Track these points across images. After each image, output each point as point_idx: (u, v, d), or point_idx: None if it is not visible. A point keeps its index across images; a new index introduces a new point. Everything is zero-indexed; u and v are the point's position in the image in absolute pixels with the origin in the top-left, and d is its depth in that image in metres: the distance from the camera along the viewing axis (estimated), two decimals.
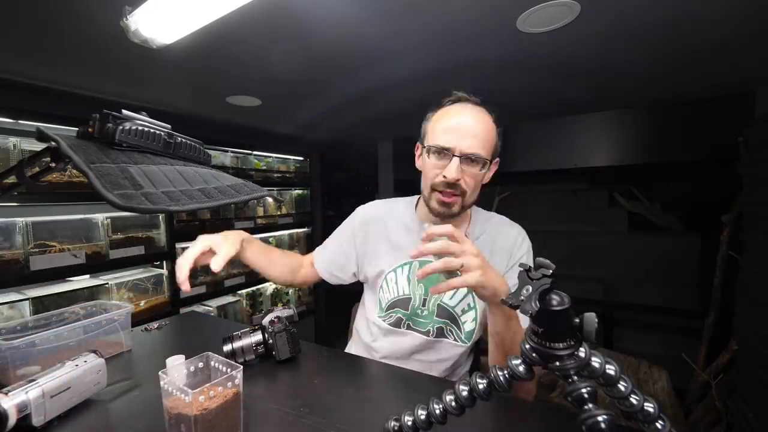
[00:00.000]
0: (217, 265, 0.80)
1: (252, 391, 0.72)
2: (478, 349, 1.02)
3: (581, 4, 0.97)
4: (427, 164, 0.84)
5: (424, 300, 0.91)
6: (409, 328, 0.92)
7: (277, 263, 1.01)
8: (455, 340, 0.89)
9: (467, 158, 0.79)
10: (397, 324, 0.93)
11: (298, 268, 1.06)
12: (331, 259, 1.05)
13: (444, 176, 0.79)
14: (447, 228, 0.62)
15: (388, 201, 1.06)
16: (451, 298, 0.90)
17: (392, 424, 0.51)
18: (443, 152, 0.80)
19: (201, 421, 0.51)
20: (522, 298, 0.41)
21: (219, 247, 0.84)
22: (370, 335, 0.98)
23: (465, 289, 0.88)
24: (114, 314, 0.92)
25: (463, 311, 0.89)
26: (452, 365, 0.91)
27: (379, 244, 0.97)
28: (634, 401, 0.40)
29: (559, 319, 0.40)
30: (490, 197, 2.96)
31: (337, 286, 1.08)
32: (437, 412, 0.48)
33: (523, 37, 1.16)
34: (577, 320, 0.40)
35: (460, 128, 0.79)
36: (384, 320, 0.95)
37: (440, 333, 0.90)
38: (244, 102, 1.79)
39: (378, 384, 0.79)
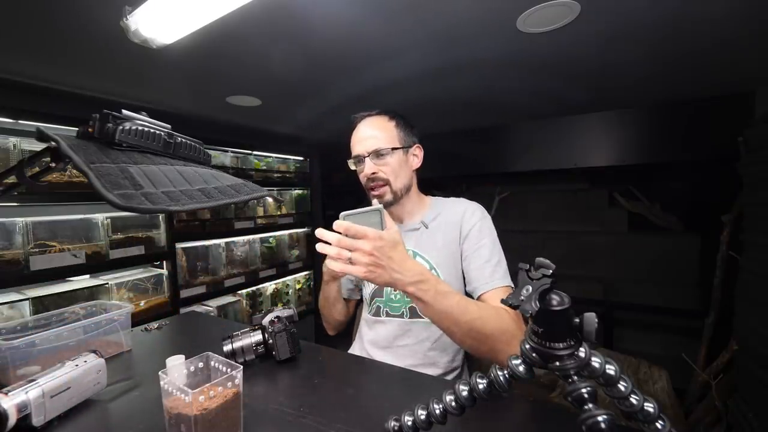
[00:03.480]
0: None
1: (252, 391, 0.72)
2: None
3: (581, 4, 0.97)
4: (358, 174, 1.02)
5: None
6: (387, 315, 1.00)
7: (342, 302, 1.14)
8: None
9: (375, 155, 0.96)
10: (377, 313, 1.01)
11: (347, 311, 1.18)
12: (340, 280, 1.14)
13: (365, 175, 0.97)
14: (340, 224, 0.67)
15: None
16: None
17: (392, 424, 0.51)
18: (358, 159, 0.99)
19: (201, 421, 0.51)
20: (522, 298, 0.41)
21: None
22: (362, 331, 1.08)
23: (428, 267, 0.96)
24: (114, 314, 0.92)
25: None
26: (435, 344, 0.94)
27: None
28: (634, 401, 0.40)
29: (559, 319, 0.40)
30: (490, 197, 2.96)
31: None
32: (437, 412, 0.48)
33: (523, 37, 1.16)
34: (577, 320, 0.40)
35: (362, 137, 0.99)
36: (370, 313, 1.03)
37: (414, 313, 0.96)
38: (244, 102, 1.79)
39: (378, 384, 0.79)
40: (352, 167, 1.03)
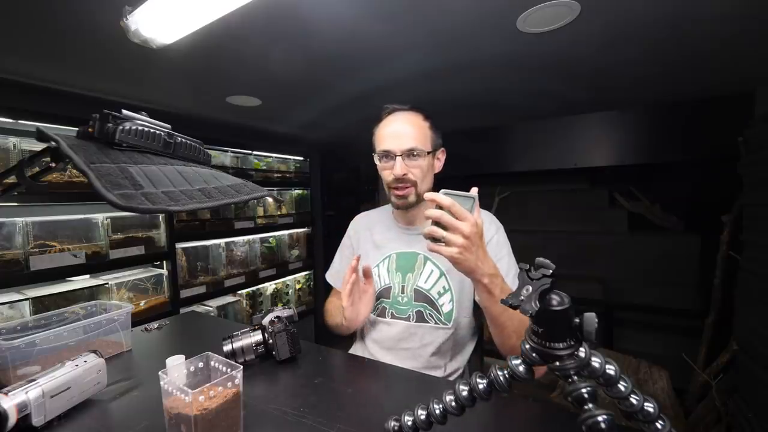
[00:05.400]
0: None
1: (252, 391, 0.72)
2: (482, 339, 1.04)
3: (581, 4, 0.97)
4: (379, 168, 0.99)
5: (403, 287, 0.98)
6: (392, 316, 0.98)
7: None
8: (436, 323, 0.94)
9: (408, 154, 0.92)
10: (382, 314, 1.00)
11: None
12: (339, 274, 1.14)
13: (393, 174, 0.93)
14: (447, 200, 0.67)
15: (373, 210, 1.19)
16: (425, 282, 0.96)
17: (392, 424, 0.51)
18: (387, 155, 0.94)
19: (201, 421, 0.51)
20: (522, 298, 0.41)
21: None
22: (365, 328, 1.06)
23: (438, 273, 0.95)
24: (114, 314, 0.92)
25: (440, 294, 0.95)
26: (438, 349, 0.93)
27: (367, 248, 1.09)
28: (634, 401, 0.40)
29: (559, 319, 0.40)
30: (490, 197, 2.96)
31: None
32: (437, 412, 0.48)
33: (523, 37, 1.16)
34: (577, 320, 0.40)
35: (396, 132, 0.94)
36: (374, 312, 1.01)
37: (420, 317, 0.95)
38: (244, 102, 1.79)
39: (378, 384, 0.79)
40: (377, 162, 0.98)
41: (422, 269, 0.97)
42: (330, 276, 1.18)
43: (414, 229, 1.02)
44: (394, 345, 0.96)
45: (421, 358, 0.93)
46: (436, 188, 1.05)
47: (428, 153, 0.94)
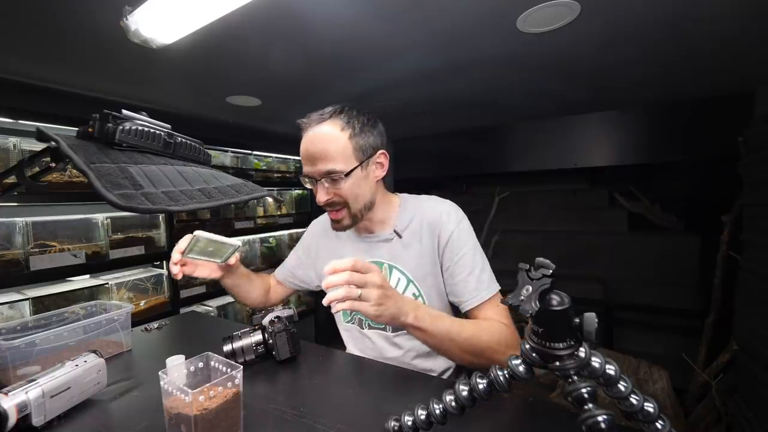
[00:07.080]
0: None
1: (252, 391, 0.72)
2: None
3: (581, 4, 0.97)
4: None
5: None
6: (369, 327, 0.95)
7: (258, 286, 1.11)
8: None
9: (327, 178, 0.83)
10: (360, 325, 0.97)
11: (269, 288, 1.17)
12: (291, 273, 1.15)
13: (318, 200, 0.86)
14: (347, 262, 0.64)
15: None
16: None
17: (392, 424, 0.51)
18: (309, 180, 0.87)
19: (201, 421, 0.51)
20: (522, 298, 0.41)
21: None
22: (347, 342, 1.04)
23: (406, 281, 0.91)
24: (114, 314, 0.92)
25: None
26: (420, 354, 0.91)
27: (332, 253, 1.03)
28: (634, 401, 0.40)
29: (559, 319, 0.40)
30: (490, 197, 2.96)
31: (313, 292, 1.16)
32: (437, 412, 0.48)
33: (523, 37, 1.16)
34: (577, 320, 0.40)
35: (309, 155, 0.84)
36: (351, 323, 0.99)
37: (396, 327, 0.90)
38: (244, 102, 1.79)
39: (378, 384, 0.79)
40: (307, 186, 0.89)
41: (389, 278, 0.91)
42: (281, 277, 1.17)
43: (374, 236, 0.95)
44: (377, 356, 0.94)
45: (407, 365, 0.90)
46: (420, 185, 1.03)
47: (352, 170, 0.82)
